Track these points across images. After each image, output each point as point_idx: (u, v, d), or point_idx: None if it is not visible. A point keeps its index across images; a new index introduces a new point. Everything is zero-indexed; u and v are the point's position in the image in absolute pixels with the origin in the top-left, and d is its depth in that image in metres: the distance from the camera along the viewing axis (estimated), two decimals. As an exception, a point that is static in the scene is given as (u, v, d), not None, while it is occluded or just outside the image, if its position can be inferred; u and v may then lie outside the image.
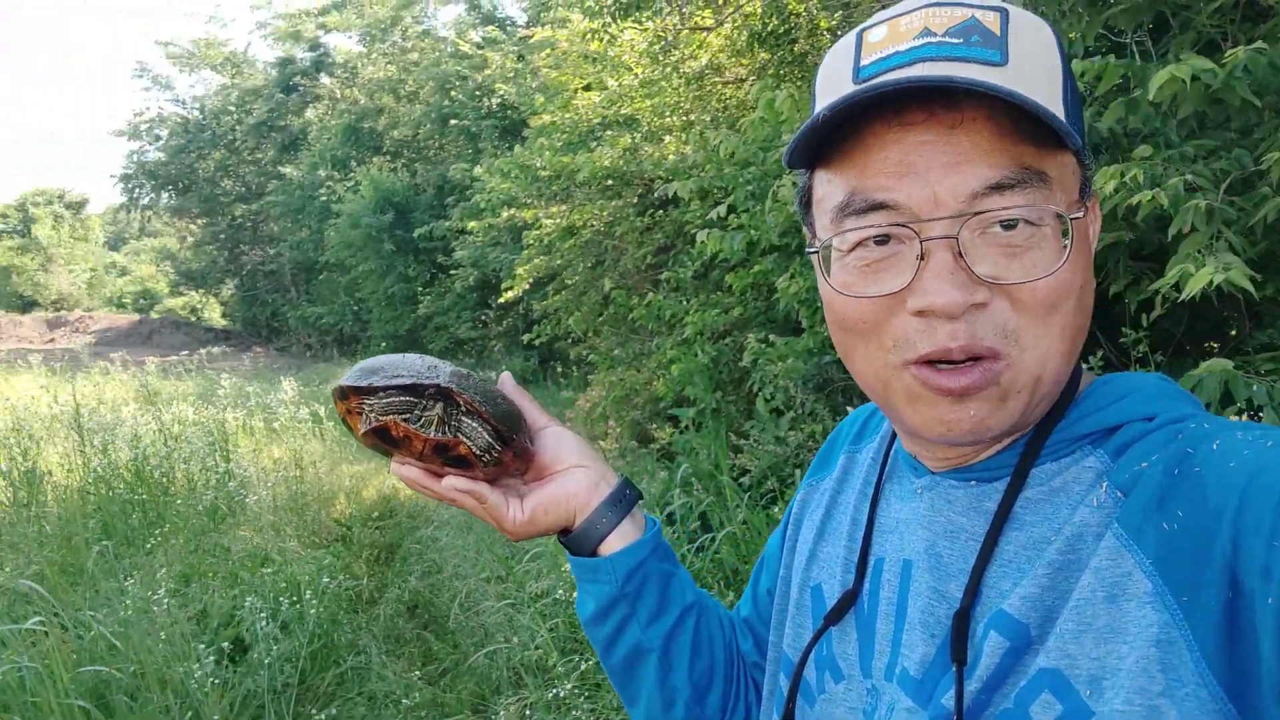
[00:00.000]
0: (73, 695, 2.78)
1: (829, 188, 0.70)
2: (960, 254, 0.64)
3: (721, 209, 5.10)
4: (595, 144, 8.96)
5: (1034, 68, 0.66)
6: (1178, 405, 0.69)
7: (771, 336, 4.73)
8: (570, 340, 10.47)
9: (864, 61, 0.68)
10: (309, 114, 33.78)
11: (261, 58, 37.36)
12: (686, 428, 5.87)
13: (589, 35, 9.53)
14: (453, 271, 18.55)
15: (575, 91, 10.02)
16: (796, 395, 4.17)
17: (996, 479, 0.72)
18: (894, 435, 0.87)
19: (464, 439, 0.84)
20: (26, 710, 2.77)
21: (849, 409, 3.88)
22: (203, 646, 3.06)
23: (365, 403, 0.84)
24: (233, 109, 36.02)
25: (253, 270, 36.42)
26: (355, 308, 27.07)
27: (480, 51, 23.80)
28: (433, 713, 3.58)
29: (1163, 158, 2.62)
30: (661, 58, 8.90)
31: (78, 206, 65.36)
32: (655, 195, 7.65)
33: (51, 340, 35.55)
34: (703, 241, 5.02)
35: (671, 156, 7.92)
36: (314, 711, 3.32)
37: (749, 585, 1.08)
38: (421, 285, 22.53)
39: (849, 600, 0.82)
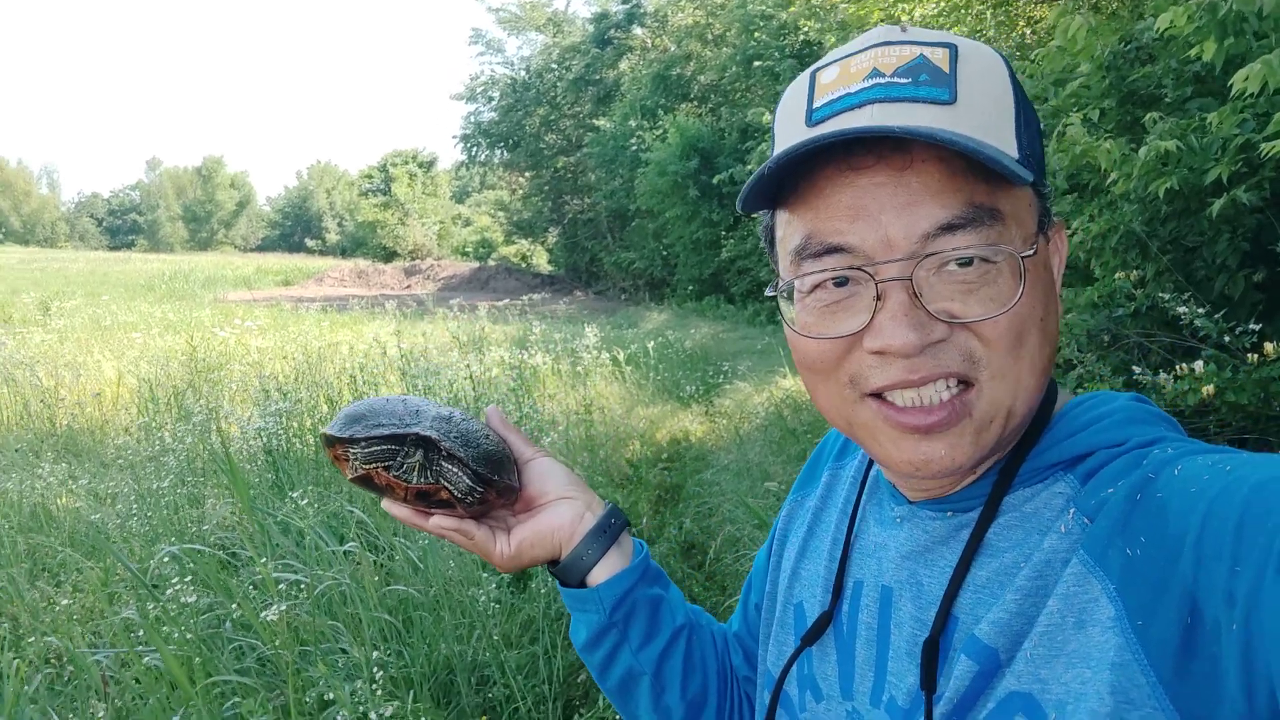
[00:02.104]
0: (380, 610, 3.29)
1: (788, 229, 0.72)
2: (916, 294, 0.65)
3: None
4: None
5: (984, 103, 0.66)
6: (1150, 429, 0.69)
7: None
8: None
9: (816, 103, 0.70)
10: (622, 65, 35.15)
11: (580, 15, 39.19)
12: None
13: (886, -35, 9.11)
14: (754, 215, 18.68)
15: (875, 24, 9.66)
16: (1076, 353, 3.85)
17: (972, 509, 0.73)
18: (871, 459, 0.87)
19: (445, 484, 0.87)
20: (348, 620, 3.30)
21: (1135, 368, 3.55)
22: (486, 574, 3.47)
23: (349, 451, 0.87)
24: (554, 67, 38.37)
25: (573, 219, 38.90)
26: (664, 253, 28.09)
27: (786, -12, 23.46)
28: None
29: None
30: (963, -18, 8.35)
31: (428, 165, 72.91)
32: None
33: (408, 286, 40.26)
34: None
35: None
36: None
37: (740, 600, 1.09)
38: (725, 229, 22.90)
39: (825, 621, 0.83)
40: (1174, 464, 0.61)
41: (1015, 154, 0.66)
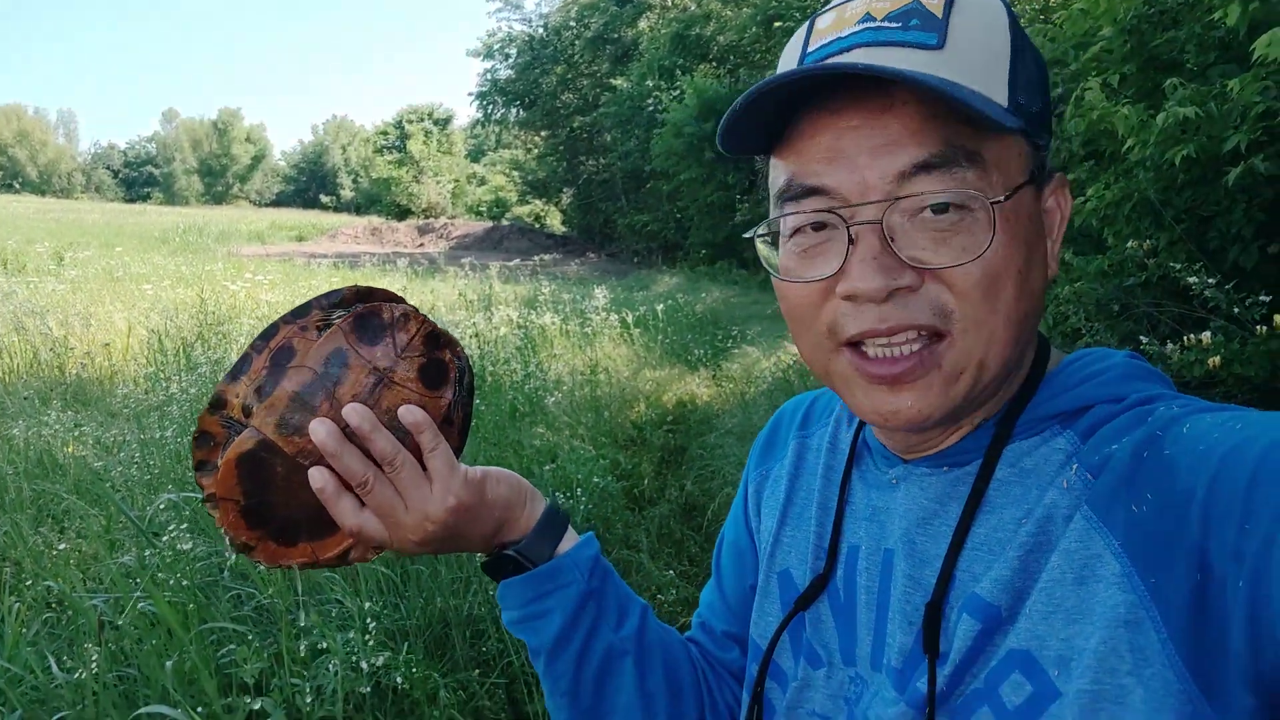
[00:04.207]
0: (378, 563, 3.31)
1: (775, 172, 0.71)
2: (889, 239, 0.64)
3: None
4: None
5: (973, 49, 0.65)
6: (1147, 385, 0.69)
7: (1067, 255, 4.32)
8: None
9: (810, 48, 0.69)
10: (641, 24, 34.79)
11: (600, -30, 38.70)
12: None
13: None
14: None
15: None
16: (1084, 322, 3.80)
17: (968, 463, 0.72)
18: (861, 422, 0.85)
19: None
20: (346, 572, 3.33)
21: (1142, 338, 3.51)
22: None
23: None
24: (572, 24, 38.00)
25: (588, 179, 38.69)
26: (678, 216, 27.95)
27: (808, -53, 23.10)
28: (687, 610, 3.82)
29: None
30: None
31: (444, 122, 72.60)
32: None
33: (421, 244, 40.26)
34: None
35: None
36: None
37: (711, 595, 1.03)
38: (740, 193, 22.75)
39: (820, 585, 0.81)
40: (1182, 421, 0.61)
41: (1004, 102, 0.65)
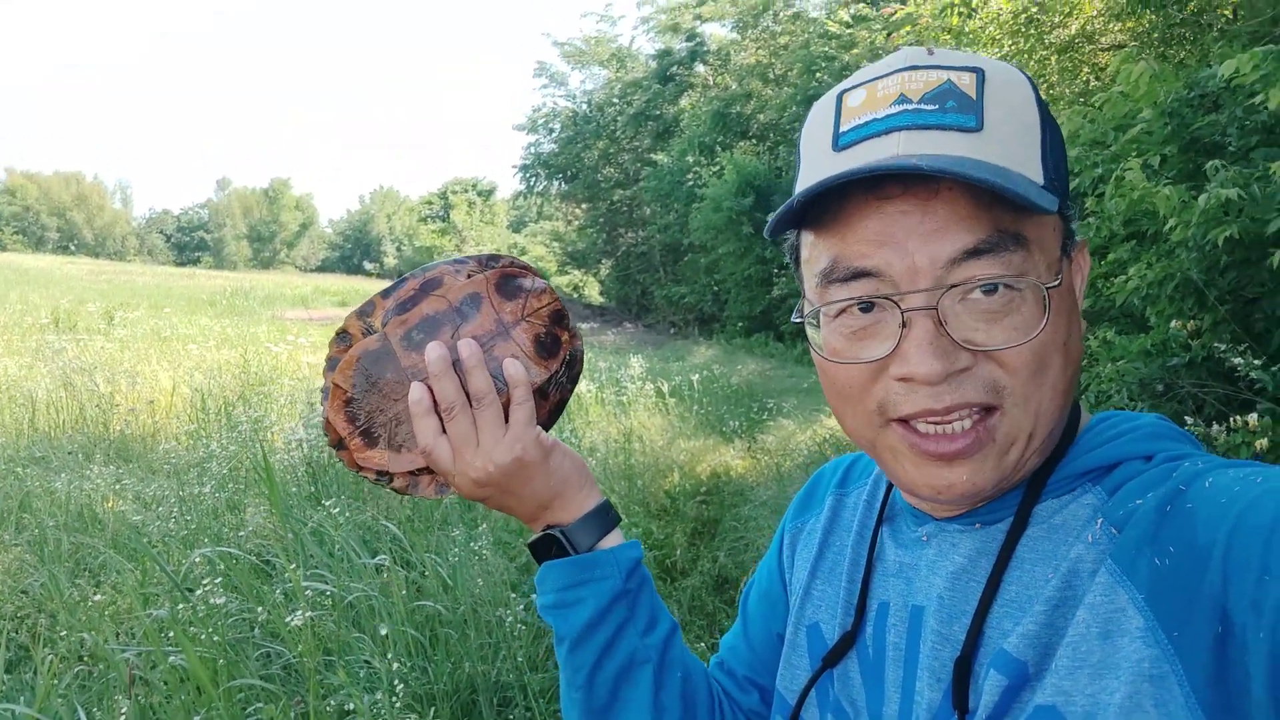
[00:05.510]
0: (408, 625, 3.29)
1: (814, 251, 0.72)
2: (941, 322, 0.65)
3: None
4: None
5: (1010, 129, 0.67)
6: (1175, 445, 0.69)
7: (1109, 335, 4.29)
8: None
9: (843, 127, 0.70)
10: (683, 102, 35.45)
11: (644, 51, 39.73)
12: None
13: (948, 9, 9.08)
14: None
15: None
16: (1127, 402, 3.75)
17: (1000, 520, 0.73)
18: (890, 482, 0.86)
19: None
20: (375, 633, 3.31)
21: (1187, 419, 3.45)
22: (514, 595, 3.46)
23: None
24: (615, 101, 38.82)
25: (626, 251, 39.12)
26: (715, 288, 28.11)
27: (849, 30, 23.58)
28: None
29: None
30: (1025, 29, 8.30)
31: (487, 194, 74.13)
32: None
33: (461, 312, 40.61)
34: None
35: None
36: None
37: (735, 640, 1.03)
38: (778, 267, 22.88)
39: (849, 641, 0.81)
40: (1205, 476, 0.62)
41: (1040, 180, 0.67)
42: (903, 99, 0.67)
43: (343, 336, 0.87)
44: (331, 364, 0.86)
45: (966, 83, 0.67)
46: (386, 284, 0.91)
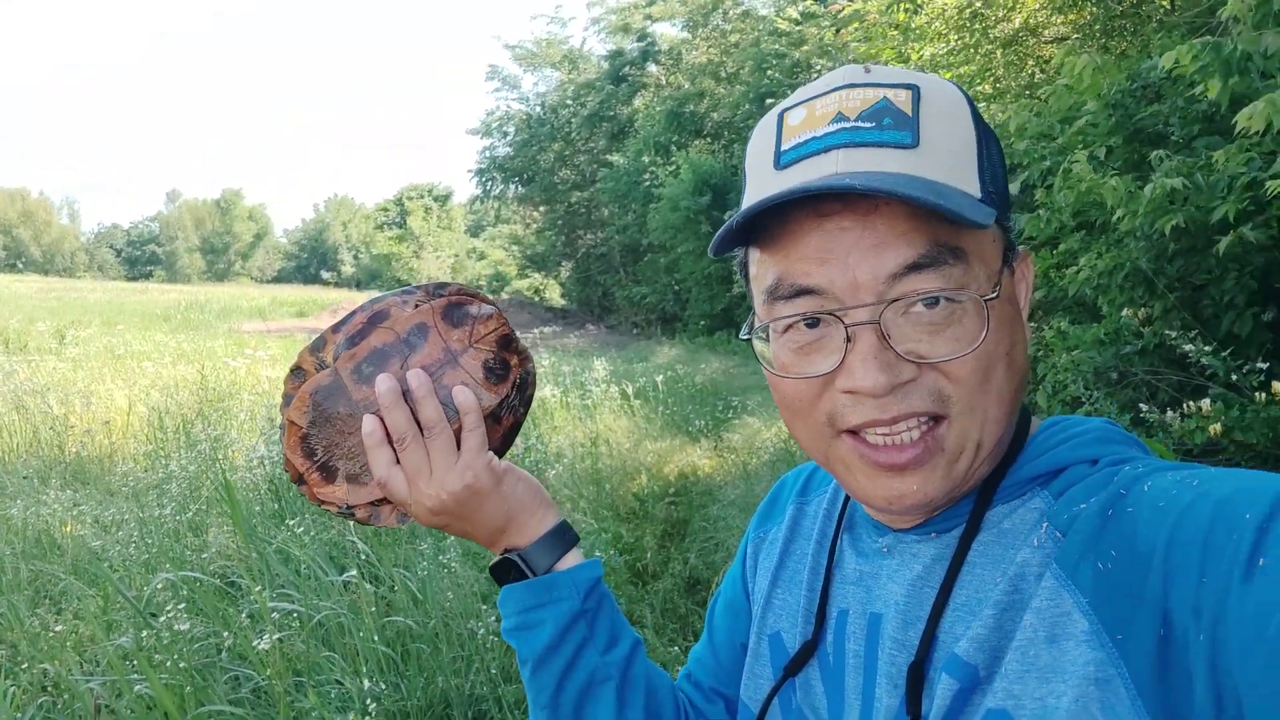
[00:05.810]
0: (378, 641, 3.26)
1: (761, 268, 0.73)
2: (885, 336, 0.67)
3: (1014, 186, 4.77)
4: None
5: (946, 144, 0.68)
6: (1122, 449, 0.71)
7: (1063, 325, 4.36)
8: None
9: (784, 146, 0.72)
10: (636, 102, 35.49)
11: (595, 52, 39.70)
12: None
13: (893, 6, 9.18)
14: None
15: (885, 64, 9.73)
16: (1083, 390, 3.82)
17: (954, 528, 0.75)
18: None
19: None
20: (346, 651, 3.28)
21: (1142, 406, 3.52)
22: (485, 607, 3.44)
23: None
24: (569, 103, 38.75)
25: (586, 253, 39.06)
26: (675, 288, 28.17)
27: (798, 28, 23.78)
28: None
29: None
30: (970, 24, 8.41)
31: (443, 199, 73.62)
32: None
33: (421, 319, 40.29)
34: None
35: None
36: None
37: (702, 651, 1.04)
38: (737, 265, 22.99)
39: (810, 650, 0.83)
40: (1144, 480, 0.63)
41: (977, 193, 0.68)
42: (840, 117, 0.69)
43: (297, 373, 0.89)
44: (286, 400, 0.88)
45: (902, 100, 0.68)
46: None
